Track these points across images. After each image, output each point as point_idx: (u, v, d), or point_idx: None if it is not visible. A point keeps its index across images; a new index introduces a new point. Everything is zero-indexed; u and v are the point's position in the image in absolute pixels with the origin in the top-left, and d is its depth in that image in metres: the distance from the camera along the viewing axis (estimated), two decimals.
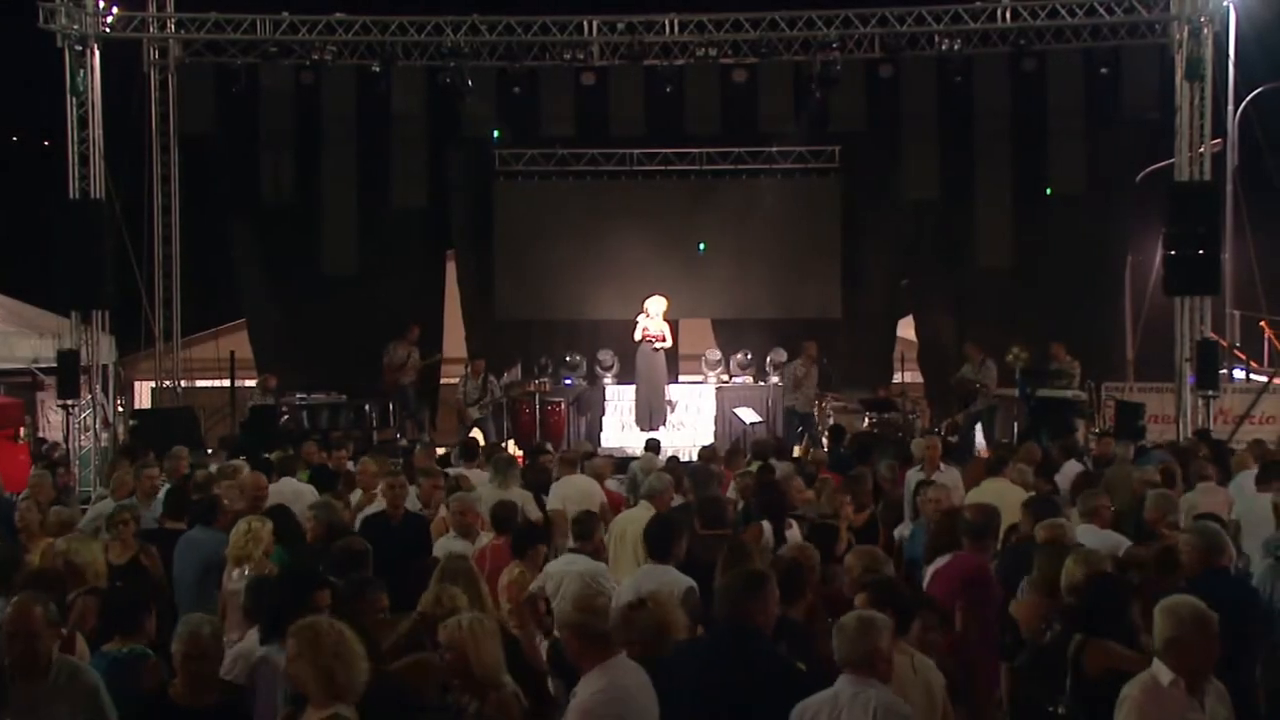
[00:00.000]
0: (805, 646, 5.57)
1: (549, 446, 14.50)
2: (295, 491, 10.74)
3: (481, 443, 17.39)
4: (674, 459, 13.88)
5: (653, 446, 14.28)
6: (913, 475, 11.23)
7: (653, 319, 18.83)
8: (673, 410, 19.34)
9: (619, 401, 19.60)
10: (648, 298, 18.88)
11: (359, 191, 21.07)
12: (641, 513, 8.92)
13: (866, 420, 18.60)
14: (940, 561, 7.09)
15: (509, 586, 7.54)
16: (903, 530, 9.67)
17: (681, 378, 20.65)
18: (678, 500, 9.80)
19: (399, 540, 8.88)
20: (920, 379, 21.13)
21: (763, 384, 19.71)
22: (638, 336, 18.83)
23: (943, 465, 11.34)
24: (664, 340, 18.84)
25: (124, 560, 8.41)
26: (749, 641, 5.24)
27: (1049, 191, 20.55)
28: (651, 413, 18.93)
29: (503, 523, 8.67)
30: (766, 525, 8.79)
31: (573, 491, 10.67)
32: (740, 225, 20.49)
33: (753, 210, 20.58)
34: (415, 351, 19.74)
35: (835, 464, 13.24)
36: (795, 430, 18.02)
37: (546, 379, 19.45)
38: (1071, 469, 11.63)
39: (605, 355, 20.08)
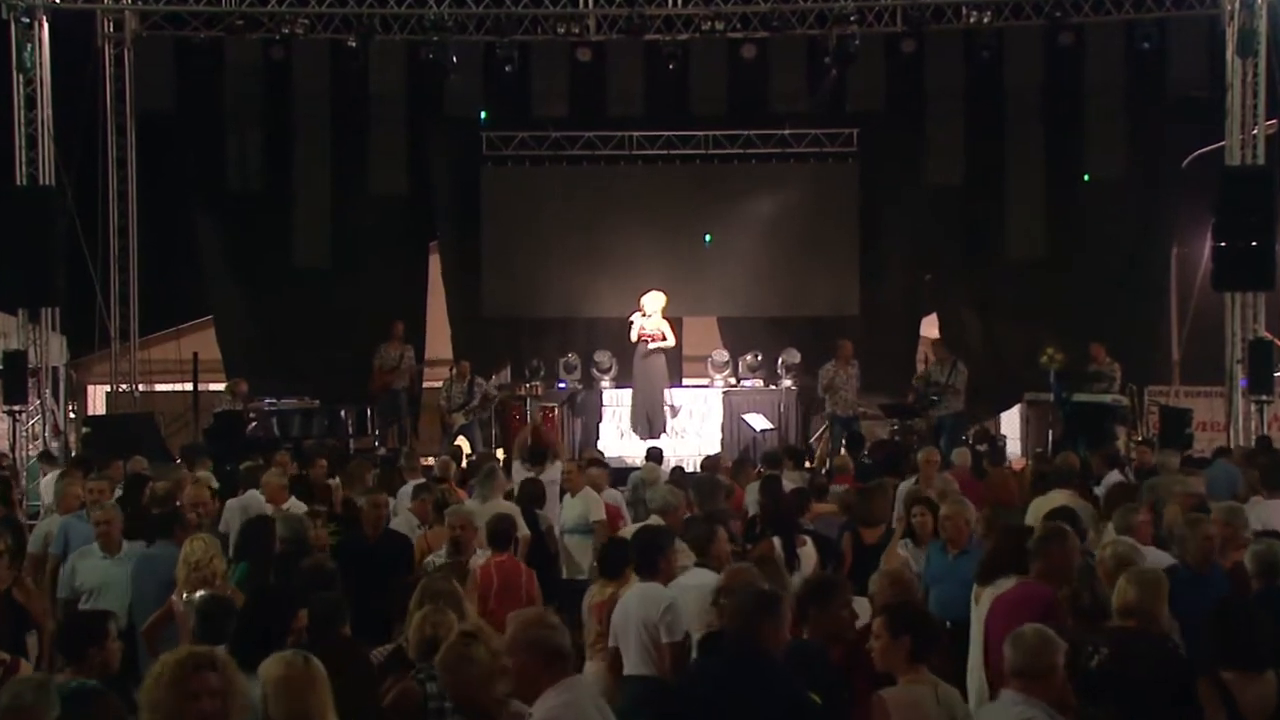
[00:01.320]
0: (820, 673, 5.55)
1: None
2: (262, 506, 10.66)
3: (467, 451, 17.44)
4: (678, 470, 13.92)
5: (655, 456, 14.28)
6: (906, 487, 11.19)
7: (650, 317, 18.78)
8: (674, 416, 19.37)
9: (617, 407, 19.61)
10: (644, 294, 18.86)
11: (334, 177, 21.01)
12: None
13: (888, 427, 18.63)
14: (1003, 586, 6.79)
15: (599, 606, 7.54)
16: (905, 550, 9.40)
17: (685, 381, 20.64)
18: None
19: (377, 561, 8.84)
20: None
21: (774, 388, 19.69)
22: (634, 337, 18.82)
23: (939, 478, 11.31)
24: (663, 339, 18.80)
25: None
26: (759, 667, 5.20)
27: (1086, 178, 20.50)
28: (650, 419, 18.96)
29: (501, 538, 8.70)
30: (777, 541, 8.81)
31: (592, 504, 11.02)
32: (749, 214, 20.51)
33: (763, 198, 20.62)
34: (409, 351, 19.75)
35: (854, 475, 13.33)
36: (839, 437, 17.80)
37: (538, 382, 19.43)
38: (1113, 481, 11.52)
39: (602, 356, 20.06)
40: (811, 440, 19.23)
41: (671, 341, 19.03)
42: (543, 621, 5.04)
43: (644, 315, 18.80)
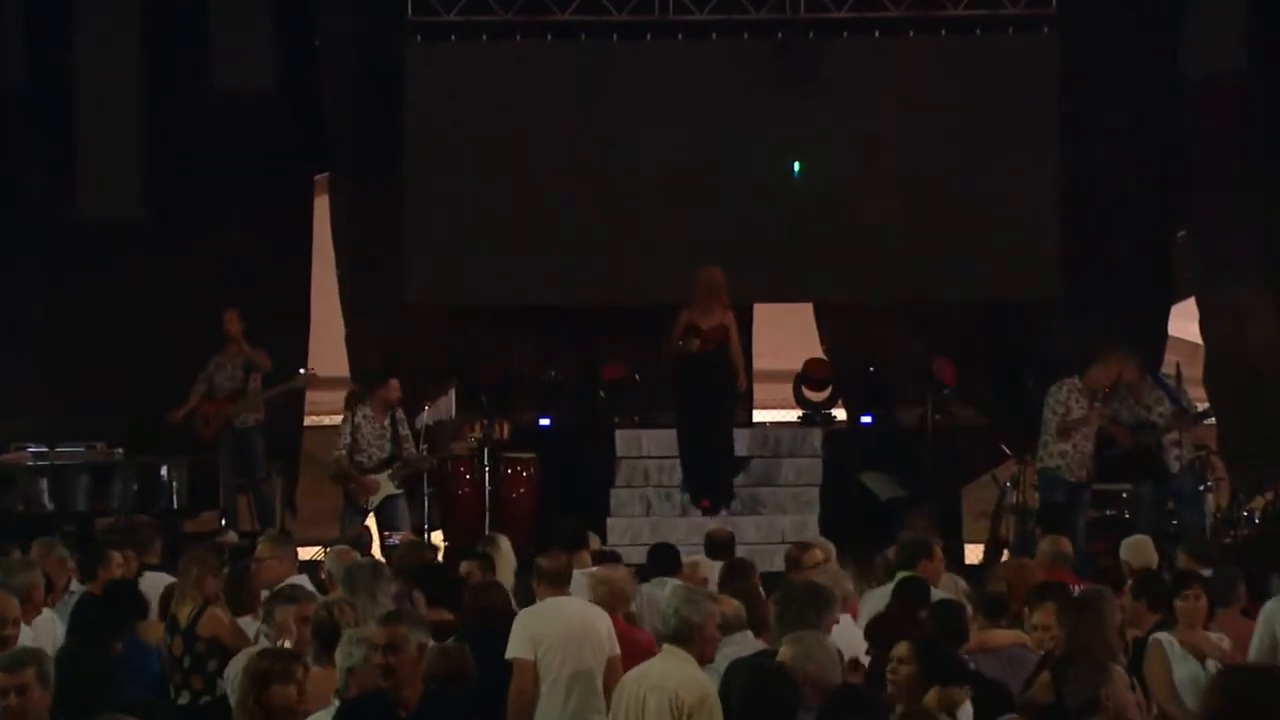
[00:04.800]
0: None
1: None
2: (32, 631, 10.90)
3: (379, 537, 17.11)
4: (743, 565, 13.50)
5: (721, 546, 14.54)
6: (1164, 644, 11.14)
7: (705, 313, 18.80)
8: (743, 476, 19.34)
9: (640, 459, 19.74)
10: (697, 275, 18.96)
11: (147, 69, 20.91)
12: (670, 668, 9.27)
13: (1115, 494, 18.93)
14: None
15: None
16: None
17: (758, 414, 21.08)
18: (746, 645, 10.16)
19: None
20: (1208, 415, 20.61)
21: (910, 426, 20.15)
22: (676, 347, 18.92)
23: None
24: (714, 339, 18.85)
25: None
26: None
27: None
28: (710, 479, 19.03)
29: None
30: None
31: (556, 627, 10.96)
32: (870, 129, 20.52)
33: (894, 99, 20.59)
34: (260, 358, 19.70)
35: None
36: (1054, 510, 17.66)
37: (504, 418, 19.56)
38: None
39: (616, 372, 20.25)
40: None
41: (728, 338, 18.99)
42: None
43: (695, 315, 18.77)
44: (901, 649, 8.87)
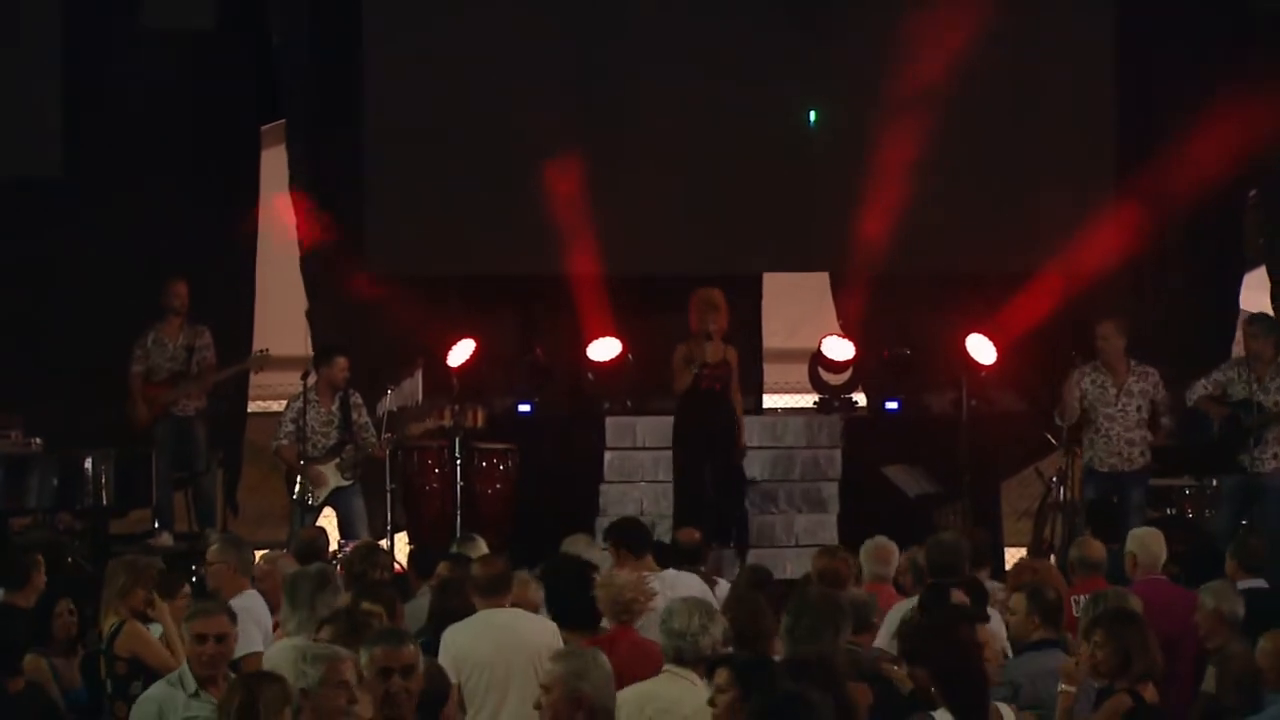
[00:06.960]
0: None
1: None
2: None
3: (337, 540, 17.74)
4: (757, 574, 13.80)
5: (688, 553, 14.58)
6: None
7: (709, 341, 18.80)
8: (754, 487, 19.63)
9: (633, 450, 20.06)
10: (697, 295, 18.97)
11: (67, 3, 20.94)
12: (679, 691, 9.38)
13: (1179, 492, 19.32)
14: None
15: None
16: None
17: (768, 399, 21.61)
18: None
19: None
20: None
21: (940, 412, 20.57)
22: (683, 382, 18.88)
23: None
24: (725, 370, 18.94)
25: None
26: None
27: None
28: (704, 492, 18.99)
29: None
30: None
31: (485, 645, 11.08)
32: (899, 71, 20.31)
33: (927, 37, 20.20)
34: (203, 338, 19.75)
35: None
36: (1104, 509, 17.71)
37: (477, 405, 19.61)
38: None
39: (602, 349, 20.18)
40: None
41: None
42: None
43: (699, 339, 18.75)
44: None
